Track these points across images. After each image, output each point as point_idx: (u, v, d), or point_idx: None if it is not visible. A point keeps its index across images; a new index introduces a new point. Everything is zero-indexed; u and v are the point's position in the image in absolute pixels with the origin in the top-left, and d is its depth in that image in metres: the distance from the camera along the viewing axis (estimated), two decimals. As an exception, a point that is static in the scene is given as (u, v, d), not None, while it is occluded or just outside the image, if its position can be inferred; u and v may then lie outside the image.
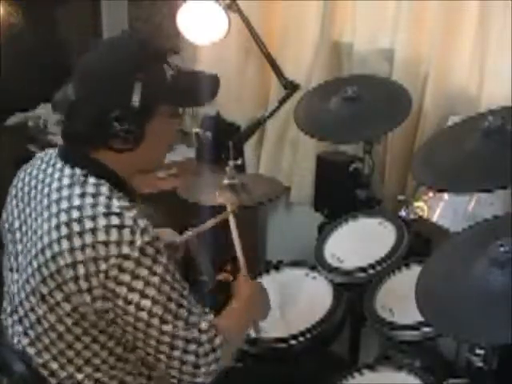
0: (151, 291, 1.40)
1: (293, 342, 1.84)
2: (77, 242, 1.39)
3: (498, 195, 1.92)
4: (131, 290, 1.39)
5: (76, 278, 1.39)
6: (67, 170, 1.49)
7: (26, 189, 1.54)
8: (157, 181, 2.80)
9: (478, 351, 1.61)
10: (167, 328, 1.42)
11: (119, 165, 1.50)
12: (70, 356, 1.47)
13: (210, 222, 1.86)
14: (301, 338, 1.84)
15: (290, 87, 2.58)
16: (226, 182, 2.28)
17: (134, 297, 1.39)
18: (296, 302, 2.01)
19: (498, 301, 1.35)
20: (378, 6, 2.45)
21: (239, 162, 2.39)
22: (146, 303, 1.40)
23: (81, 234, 1.39)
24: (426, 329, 1.70)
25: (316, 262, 2.04)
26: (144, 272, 1.39)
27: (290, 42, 2.74)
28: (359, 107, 2.16)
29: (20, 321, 1.51)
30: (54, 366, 1.48)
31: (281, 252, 2.67)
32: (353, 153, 2.50)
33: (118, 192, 1.48)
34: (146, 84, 1.44)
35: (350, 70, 2.55)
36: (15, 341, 1.52)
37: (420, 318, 1.54)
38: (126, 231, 1.38)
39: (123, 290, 1.39)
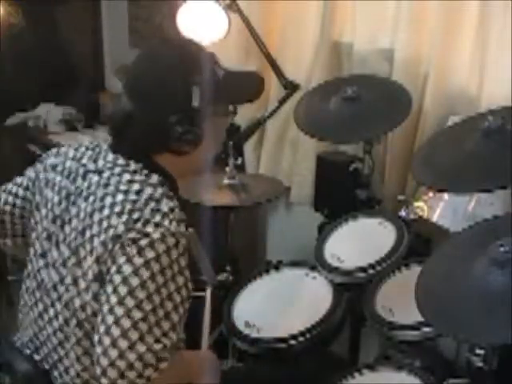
0: (146, 274, 1.39)
1: (293, 342, 1.84)
2: (113, 220, 1.43)
3: (498, 195, 1.92)
4: (129, 262, 1.39)
5: (97, 246, 1.43)
6: (120, 162, 1.52)
7: (71, 188, 1.54)
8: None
9: (478, 351, 1.61)
10: (143, 326, 1.38)
11: (174, 166, 1.55)
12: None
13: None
14: (301, 338, 1.84)
15: (290, 87, 2.58)
16: (225, 181, 2.29)
17: (126, 270, 1.39)
18: (296, 302, 2.01)
19: (498, 301, 1.35)
20: (378, 5, 2.45)
21: (239, 161, 2.40)
22: (134, 281, 1.38)
23: (119, 214, 1.43)
24: (426, 329, 1.70)
25: (316, 262, 2.04)
26: (151, 254, 1.39)
27: (290, 42, 2.74)
28: (359, 107, 2.16)
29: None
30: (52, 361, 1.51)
31: (281, 252, 2.67)
32: (353, 153, 2.50)
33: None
34: (203, 87, 1.49)
35: (350, 70, 2.55)
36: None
37: (420, 318, 1.54)
38: (159, 214, 1.42)
39: (122, 259, 1.40)
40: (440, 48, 2.26)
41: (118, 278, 1.39)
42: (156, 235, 1.40)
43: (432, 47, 2.30)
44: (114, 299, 1.39)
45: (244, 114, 2.89)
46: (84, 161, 1.57)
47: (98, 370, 1.38)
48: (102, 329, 1.39)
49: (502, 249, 1.39)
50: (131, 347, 1.37)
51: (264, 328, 1.89)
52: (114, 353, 1.36)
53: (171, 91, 1.50)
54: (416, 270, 1.81)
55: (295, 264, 2.14)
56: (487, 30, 2.14)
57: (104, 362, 1.37)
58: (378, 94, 2.21)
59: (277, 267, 2.14)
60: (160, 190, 1.48)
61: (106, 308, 1.39)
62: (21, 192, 1.67)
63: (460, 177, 1.71)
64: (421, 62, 2.35)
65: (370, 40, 2.49)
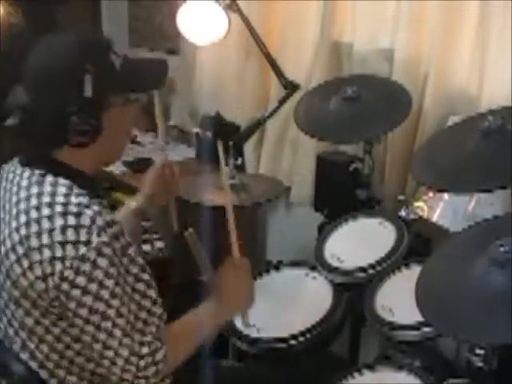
0: (105, 294, 1.39)
1: (293, 341, 1.84)
2: (34, 242, 1.39)
3: (498, 195, 1.92)
4: (85, 292, 1.38)
5: (34, 278, 1.39)
6: (26, 173, 1.49)
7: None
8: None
9: (478, 351, 1.62)
10: (117, 333, 1.41)
11: (81, 160, 1.49)
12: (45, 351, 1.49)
13: None
14: (301, 338, 1.84)
15: (290, 87, 2.58)
16: (226, 181, 2.28)
17: (87, 300, 1.38)
18: (296, 301, 2.01)
19: (498, 301, 1.35)
20: (378, 5, 2.45)
21: (239, 161, 2.39)
22: (99, 306, 1.38)
23: (39, 234, 1.39)
24: (426, 329, 1.70)
25: (316, 262, 2.04)
26: (100, 275, 1.37)
27: (290, 42, 2.74)
28: (359, 107, 2.16)
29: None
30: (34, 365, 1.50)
31: (281, 252, 2.67)
32: (353, 153, 2.50)
33: (80, 189, 1.46)
34: (96, 74, 1.44)
35: (350, 70, 2.55)
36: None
37: (420, 318, 1.54)
38: (83, 231, 1.37)
39: (77, 293, 1.38)
40: (440, 48, 2.26)
41: (84, 312, 1.39)
42: (93, 254, 1.37)
43: (432, 47, 2.30)
44: (96, 318, 1.39)
45: (244, 114, 2.90)
46: (3, 183, 1.54)
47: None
48: (98, 347, 1.42)
49: (501, 249, 1.39)
50: (132, 354, 1.43)
51: (264, 328, 1.89)
52: (120, 361, 1.43)
53: (62, 80, 1.45)
54: (416, 269, 1.81)
55: (295, 264, 2.14)
56: (487, 30, 2.14)
57: (117, 370, 1.45)
58: (378, 93, 2.21)
59: (277, 267, 2.15)
60: (73, 200, 1.41)
61: (91, 329, 1.40)
62: None
63: (460, 177, 1.71)
64: (421, 62, 2.35)
65: (370, 40, 2.49)
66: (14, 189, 1.48)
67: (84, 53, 1.47)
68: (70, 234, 1.37)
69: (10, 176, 1.52)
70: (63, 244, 1.37)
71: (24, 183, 1.47)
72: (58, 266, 1.36)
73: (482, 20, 2.16)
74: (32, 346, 1.47)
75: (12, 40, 3.52)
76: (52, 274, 1.37)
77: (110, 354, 1.42)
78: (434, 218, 2.08)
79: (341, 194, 2.40)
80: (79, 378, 1.50)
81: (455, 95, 2.28)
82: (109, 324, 1.40)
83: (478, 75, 2.20)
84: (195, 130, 3.08)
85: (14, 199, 1.46)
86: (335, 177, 2.45)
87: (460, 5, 2.21)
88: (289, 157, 2.83)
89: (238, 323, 1.92)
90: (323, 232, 2.17)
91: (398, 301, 1.83)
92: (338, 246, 2.09)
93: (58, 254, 1.36)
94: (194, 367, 1.66)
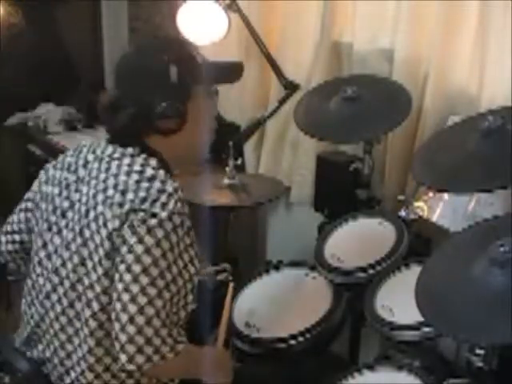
0: (157, 252, 1.45)
1: (293, 342, 1.84)
2: (117, 198, 1.48)
3: (498, 195, 1.92)
4: (140, 242, 1.44)
5: (105, 224, 1.48)
6: (119, 150, 1.57)
7: (72, 178, 1.59)
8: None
9: (478, 351, 1.61)
10: (142, 300, 1.44)
11: (166, 148, 1.59)
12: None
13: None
14: (301, 338, 1.84)
15: (290, 87, 2.58)
16: (225, 181, 2.29)
17: (139, 250, 1.44)
18: (296, 301, 2.01)
19: (498, 301, 1.35)
20: (378, 6, 2.45)
21: (239, 161, 2.39)
22: (146, 259, 1.44)
23: (123, 192, 1.49)
24: (426, 329, 1.70)
25: (316, 262, 2.04)
26: (160, 233, 1.45)
27: (290, 42, 2.74)
28: (359, 107, 2.16)
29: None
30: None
31: (281, 252, 2.67)
32: (353, 153, 2.50)
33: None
34: (180, 65, 1.55)
35: (350, 70, 2.55)
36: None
37: (420, 318, 1.54)
38: (164, 195, 1.48)
39: (133, 239, 1.44)
40: (440, 48, 2.26)
41: (130, 258, 1.44)
42: (164, 215, 1.45)
43: (432, 47, 2.30)
44: (128, 277, 1.44)
45: (244, 114, 2.90)
46: (83, 153, 1.62)
47: (117, 346, 1.45)
48: (118, 307, 1.44)
49: (501, 249, 1.39)
50: (148, 322, 1.44)
51: (264, 328, 1.89)
52: (131, 329, 1.43)
53: (148, 69, 1.56)
54: (416, 269, 1.80)
55: (295, 264, 2.14)
56: (487, 30, 2.14)
57: (123, 338, 1.44)
58: (378, 94, 2.21)
59: (277, 267, 2.14)
60: (162, 172, 1.53)
61: (120, 286, 1.45)
62: (23, 206, 1.71)
63: (460, 177, 1.71)
64: (421, 62, 2.35)
65: (370, 40, 2.49)
66: (106, 159, 1.56)
67: (168, 47, 1.61)
68: (154, 194, 1.48)
69: (99, 151, 1.60)
70: (143, 200, 1.47)
71: (116, 155, 1.56)
72: (132, 216, 1.46)
73: (481, 20, 2.16)
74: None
75: (12, 40, 3.52)
76: (123, 219, 1.46)
77: (141, 320, 1.43)
78: (434, 218, 2.08)
79: (341, 194, 2.40)
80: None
81: (455, 95, 2.28)
82: (154, 291, 1.45)
83: (478, 75, 2.20)
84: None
85: (104, 166, 1.55)
86: (335, 177, 2.45)
87: (460, 5, 2.21)
88: (289, 157, 2.83)
89: (238, 323, 1.93)
90: (323, 232, 2.17)
91: (398, 301, 1.83)
92: (338, 245, 2.09)
93: (136, 206, 1.46)
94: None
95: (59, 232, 1.57)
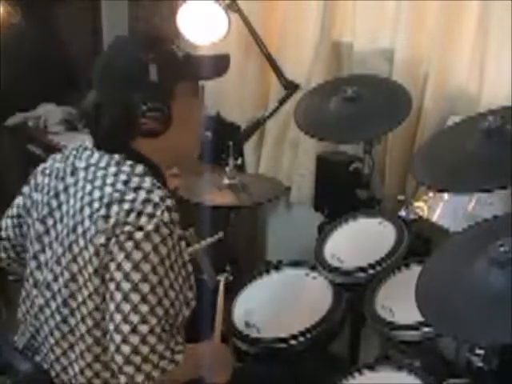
0: (146, 267, 1.40)
1: (293, 341, 1.84)
2: (102, 211, 1.44)
3: (498, 195, 1.92)
4: (128, 258, 1.40)
5: (91, 240, 1.43)
6: (105, 157, 1.53)
7: (60, 186, 1.56)
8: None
9: (478, 351, 1.61)
10: (134, 318, 1.40)
11: (154, 152, 1.54)
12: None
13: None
14: (301, 338, 1.84)
15: (290, 87, 2.58)
16: (225, 181, 2.29)
17: (127, 266, 1.40)
18: (296, 301, 2.01)
19: (498, 301, 1.35)
20: (378, 5, 2.45)
21: (239, 161, 2.39)
22: (136, 276, 1.40)
23: (108, 205, 1.44)
24: (426, 329, 1.70)
25: (316, 262, 2.04)
26: (148, 247, 1.41)
27: (290, 42, 2.74)
28: (359, 107, 2.16)
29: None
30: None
31: (281, 252, 2.67)
32: (353, 153, 2.50)
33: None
34: (160, 63, 1.49)
35: (350, 70, 2.55)
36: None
37: (420, 318, 1.54)
38: (150, 205, 1.43)
39: (121, 256, 1.40)
40: (440, 48, 2.26)
41: (119, 275, 1.41)
42: (150, 227, 1.41)
43: (432, 47, 2.30)
44: (118, 297, 1.40)
45: (244, 114, 2.90)
46: (70, 160, 1.58)
47: (115, 368, 1.42)
48: (111, 327, 1.41)
49: (501, 249, 1.39)
50: (143, 341, 1.40)
51: (264, 328, 1.89)
52: (127, 349, 1.40)
53: (125, 69, 1.51)
54: (416, 269, 1.81)
55: (295, 264, 2.14)
56: (487, 29, 2.14)
57: (119, 359, 1.41)
58: (378, 93, 2.21)
59: (277, 267, 2.14)
60: (148, 180, 1.48)
61: (112, 307, 1.41)
62: (15, 211, 1.68)
63: (460, 177, 1.71)
64: (421, 61, 2.35)
65: (369, 40, 2.49)
66: (92, 168, 1.52)
67: (146, 44, 1.54)
68: (139, 205, 1.42)
69: (85, 157, 1.56)
70: (128, 212, 1.42)
71: (102, 164, 1.51)
72: (117, 230, 1.41)
73: (481, 20, 2.16)
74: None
75: (12, 40, 3.52)
76: (108, 234, 1.42)
77: (135, 339, 1.40)
78: (434, 218, 2.08)
79: (341, 194, 2.40)
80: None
81: (455, 95, 2.28)
82: (146, 308, 1.41)
83: (478, 75, 2.20)
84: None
85: (90, 177, 1.50)
86: (335, 177, 2.45)
87: (460, 5, 2.21)
88: (289, 157, 2.83)
89: (238, 323, 1.93)
90: (323, 232, 2.17)
91: (398, 301, 1.83)
92: (337, 246, 2.09)
93: (121, 219, 1.41)
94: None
95: (50, 244, 1.54)
